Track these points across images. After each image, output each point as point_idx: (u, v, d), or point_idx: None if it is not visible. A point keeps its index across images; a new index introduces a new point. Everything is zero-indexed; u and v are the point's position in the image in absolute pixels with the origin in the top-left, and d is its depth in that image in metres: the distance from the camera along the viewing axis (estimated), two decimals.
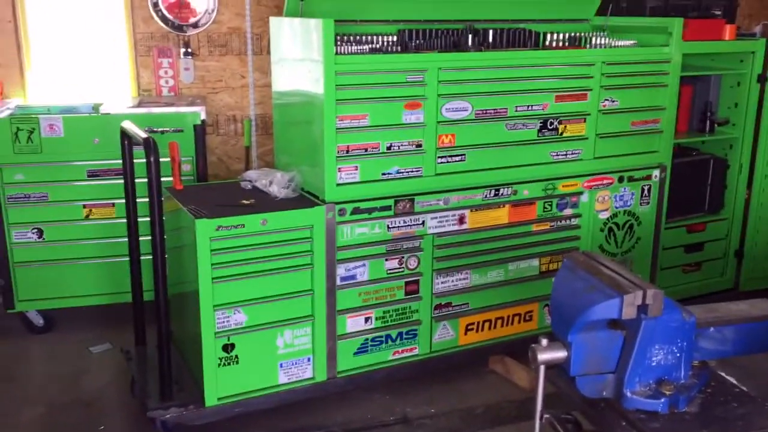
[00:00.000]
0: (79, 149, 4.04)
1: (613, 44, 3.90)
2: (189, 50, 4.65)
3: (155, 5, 4.54)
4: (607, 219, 3.97)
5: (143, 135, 3.01)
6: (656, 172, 4.05)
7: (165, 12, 4.56)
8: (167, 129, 4.11)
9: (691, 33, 3.94)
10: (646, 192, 4.05)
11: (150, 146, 2.91)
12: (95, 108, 4.22)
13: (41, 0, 4.54)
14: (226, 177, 4.87)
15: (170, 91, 4.70)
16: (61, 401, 3.60)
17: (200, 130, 4.15)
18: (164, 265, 3.05)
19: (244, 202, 3.29)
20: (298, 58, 3.39)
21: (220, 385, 3.18)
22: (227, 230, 3.06)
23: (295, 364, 3.33)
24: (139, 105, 4.27)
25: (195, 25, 4.64)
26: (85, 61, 4.70)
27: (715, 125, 4.41)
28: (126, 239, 3.58)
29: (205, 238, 3.03)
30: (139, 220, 3.54)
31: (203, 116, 4.17)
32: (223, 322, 3.14)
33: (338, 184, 3.28)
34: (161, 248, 3.01)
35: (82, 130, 4.03)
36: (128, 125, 3.29)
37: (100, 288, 4.24)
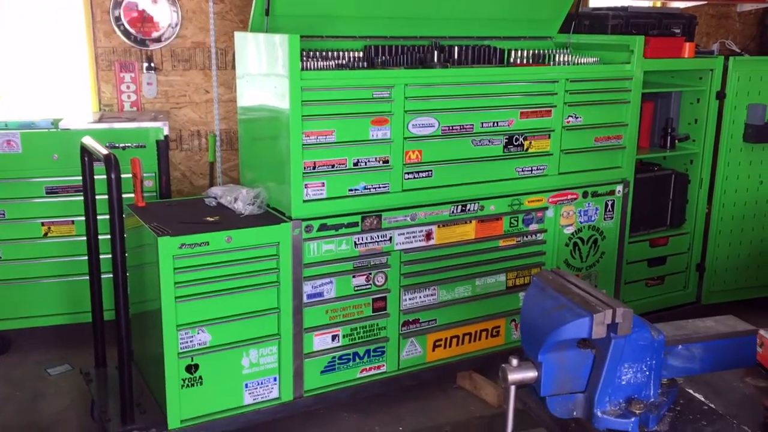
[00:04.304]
0: (37, 165, 3.94)
1: (576, 61, 3.96)
2: (152, 65, 4.58)
3: (117, 19, 4.47)
4: (572, 234, 4.00)
5: (104, 151, 2.94)
6: (619, 188, 4.10)
7: (127, 26, 4.49)
8: (129, 145, 4.03)
9: (651, 50, 4.01)
10: (609, 207, 4.10)
11: (111, 163, 2.84)
12: (54, 123, 4.12)
13: None
14: (189, 193, 4.80)
15: (132, 106, 4.62)
16: (17, 425, 3.47)
17: (163, 146, 4.08)
18: (125, 285, 2.97)
19: (209, 219, 3.24)
20: (264, 73, 3.36)
21: (184, 407, 3.11)
22: (191, 248, 3.00)
23: (261, 384, 3.27)
24: (100, 120, 4.18)
25: (158, 40, 4.58)
26: (46, 76, 4.60)
27: (676, 141, 4.48)
28: (86, 257, 3.50)
29: (168, 256, 2.97)
30: (100, 238, 3.45)
31: (166, 131, 4.10)
32: (187, 342, 3.07)
33: (304, 201, 3.25)
34: (122, 267, 2.94)
35: (40, 146, 3.94)
36: (88, 141, 3.22)
37: (59, 308, 4.13)
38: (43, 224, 4.02)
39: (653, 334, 1.73)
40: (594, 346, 1.72)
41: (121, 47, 4.53)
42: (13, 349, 4.19)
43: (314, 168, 3.24)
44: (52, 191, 4.00)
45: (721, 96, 4.35)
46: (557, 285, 1.68)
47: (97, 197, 3.41)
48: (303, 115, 3.15)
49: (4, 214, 3.95)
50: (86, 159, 3.32)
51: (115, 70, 4.55)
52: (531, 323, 1.68)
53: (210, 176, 4.85)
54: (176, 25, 4.58)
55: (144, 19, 4.52)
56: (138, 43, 4.54)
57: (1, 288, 4.02)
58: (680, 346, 1.84)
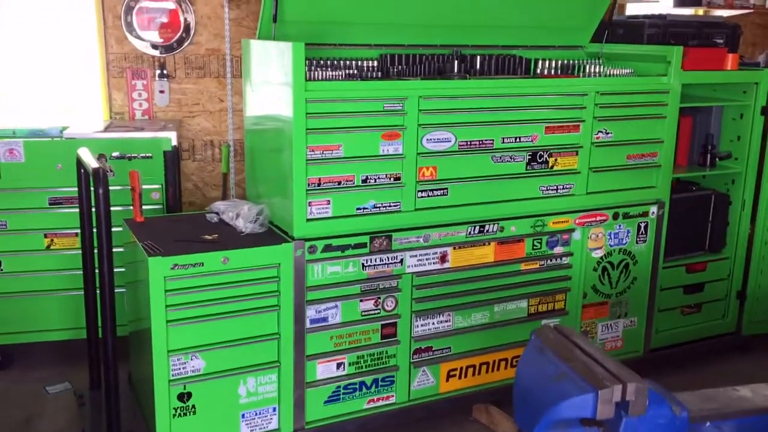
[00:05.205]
0: (40, 175, 3.80)
1: (608, 73, 3.69)
2: (164, 72, 4.43)
3: (129, 24, 4.32)
4: (601, 258, 3.72)
5: (93, 165, 2.77)
6: (654, 209, 3.81)
7: (139, 31, 4.35)
8: (135, 155, 3.87)
9: (691, 62, 3.73)
10: (642, 229, 3.81)
11: (99, 177, 2.67)
12: (63, 132, 3.99)
13: (11, 20, 4.33)
14: (202, 205, 4.64)
15: (144, 115, 4.48)
16: None
17: (170, 157, 3.91)
18: (113, 306, 2.79)
19: (207, 237, 3.05)
20: (268, 82, 3.17)
21: None
22: (184, 269, 2.81)
23: (259, 414, 3.07)
24: (107, 129, 4.04)
25: (171, 47, 4.42)
26: (58, 83, 4.48)
27: (717, 159, 4.17)
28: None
29: (159, 277, 2.78)
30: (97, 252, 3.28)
31: (174, 142, 3.94)
32: (179, 368, 2.88)
33: (308, 220, 3.04)
34: (110, 286, 2.76)
35: (44, 156, 3.80)
36: (83, 153, 3.06)
37: (62, 323, 3.97)
38: (46, 236, 3.88)
39: (675, 410, 1.45)
40: (602, 424, 1.45)
41: (132, 54, 4.39)
42: (15, 365, 4.05)
43: (319, 184, 3.03)
44: (55, 202, 3.85)
45: (766, 111, 4.03)
46: (558, 347, 1.42)
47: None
48: (307, 128, 2.95)
49: (5, 225, 3.81)
50: (82, 171, 3.17)
51: (127, 77, 4.41)
52: (527, 392, 1.42)
53: (223, 188, 4.68)
54: (190, 31, 4.42)
55: (166, 25, 4.36)
56: (150, 50, 4.39)
57: (3, 302, 3.89)
58: (708, 424, 1.53)
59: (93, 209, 3.22)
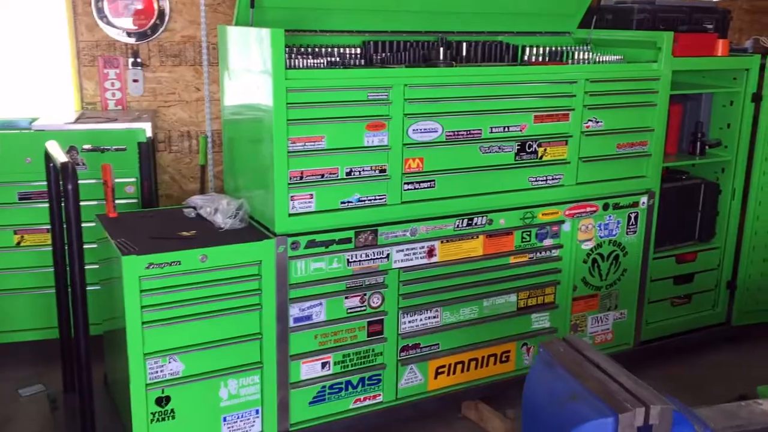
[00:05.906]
0: (9, 169, 3.63)
1: (597, 60, 3.60)
2: (138, 60, 4.26)
3: (100, 11, 4.14)
4: (591, 249, 3.64)
5: (62, 159, 2.62)
6: (644, 199, 3.73)
7: (111, 18, 4.16)
8: (108, 147, 3.71)
9: (681, 48, 3.64)
10: (632, 220, 3.73)
11: (68, 173, 2.53)
12: (32, 124, 3.82)
13: None
14: (179, 198, 4.47)
15: (117, 105, 4.30)
16: None
17: (145, 149, 3.76)
18: (85, 308, 2.66)
19: (184, 233, 2.91)
20: (247, 71, 3.03)
21: None
22: (160, 268, 2.68)
23: (241, 417, 2.95)
24: (78, 120, 3.87)
25: (145, 34, 4.25)
26: (27, 72, 4.29)
27: (706, 147, 4.10)
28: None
29: (134, 276, 2.64)
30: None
31: (149, 133, 3.78)
32: (156, 372, 2.75)
33: (291, 214, 2.91)
34: (81, 288, 2.63)
35: (12, 148, 3.63)
36: (51, 146, 2.90)
37: (34, 322, 3.82)
38: (15, 233, 3.72)
39: (698, 430, 1.35)
40: None
41: (104, 41, 4.20)
42: None
43: (301, 178, 2.90)
44: (25, 197, 3.69)
45: (757, 98, 3.96)
46: (570, 363, 1.31)
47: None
48: (288, 119, 2.81)
49: None
50: (51, 165, 3.01)
51: (99, 65, 4.23)
52: (536, 412, 1.30)
53: (201, 180, 4.52)
54: (165, 17, 4.25)
55: (140, 12, 4.18)
56: (123, 37, 4.22)
57: None
58: None
59: (63, 205, 3.09)
